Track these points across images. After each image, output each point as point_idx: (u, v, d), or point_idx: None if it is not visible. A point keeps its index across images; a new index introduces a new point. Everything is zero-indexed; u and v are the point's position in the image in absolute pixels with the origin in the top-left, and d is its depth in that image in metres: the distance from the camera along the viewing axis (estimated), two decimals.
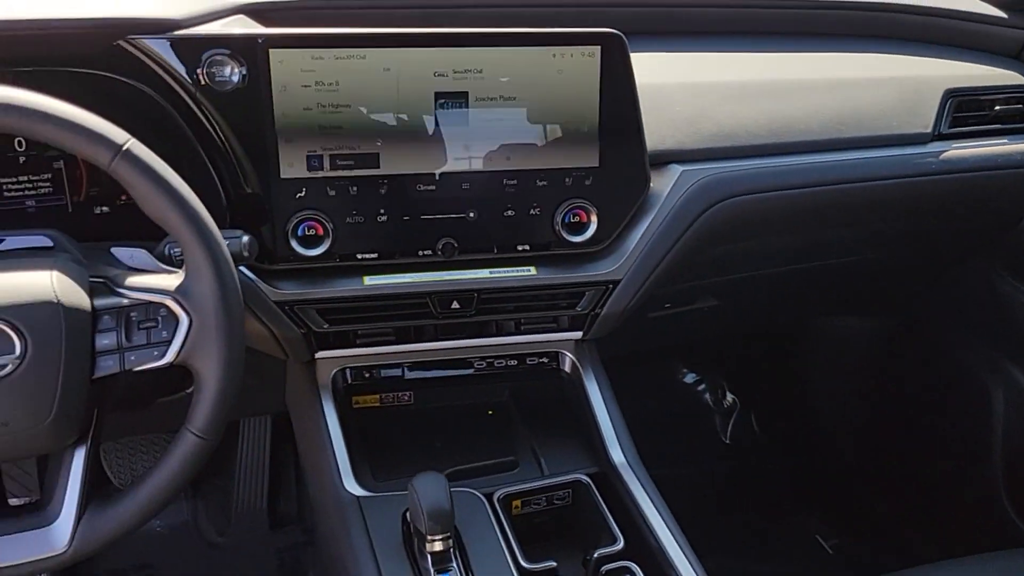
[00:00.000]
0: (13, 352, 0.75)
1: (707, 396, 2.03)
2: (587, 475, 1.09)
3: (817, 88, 1.26)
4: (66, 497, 0.82)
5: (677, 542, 1.00)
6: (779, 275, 1.42)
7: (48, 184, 1.01)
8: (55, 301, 0.77)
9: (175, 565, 1.61)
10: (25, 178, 1.00)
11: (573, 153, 1.07)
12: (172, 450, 0.84)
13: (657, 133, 1.12)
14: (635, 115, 1.07)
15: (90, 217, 1.03)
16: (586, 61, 1.03)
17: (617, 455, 1.10)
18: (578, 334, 1.16)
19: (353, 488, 1.03)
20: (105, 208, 1.04)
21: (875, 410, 1.83)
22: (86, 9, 0.92)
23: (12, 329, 0.75)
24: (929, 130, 1.29)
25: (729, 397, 2.01)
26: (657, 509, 1.04)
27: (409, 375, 1.17)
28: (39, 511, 0.82)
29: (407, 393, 1.20)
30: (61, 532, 0.81)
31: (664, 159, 1.14)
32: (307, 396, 1.12)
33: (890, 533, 1.79)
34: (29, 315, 0.76)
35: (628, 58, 1.04)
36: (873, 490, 1.86)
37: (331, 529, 1.04)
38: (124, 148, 0.77)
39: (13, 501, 0.96)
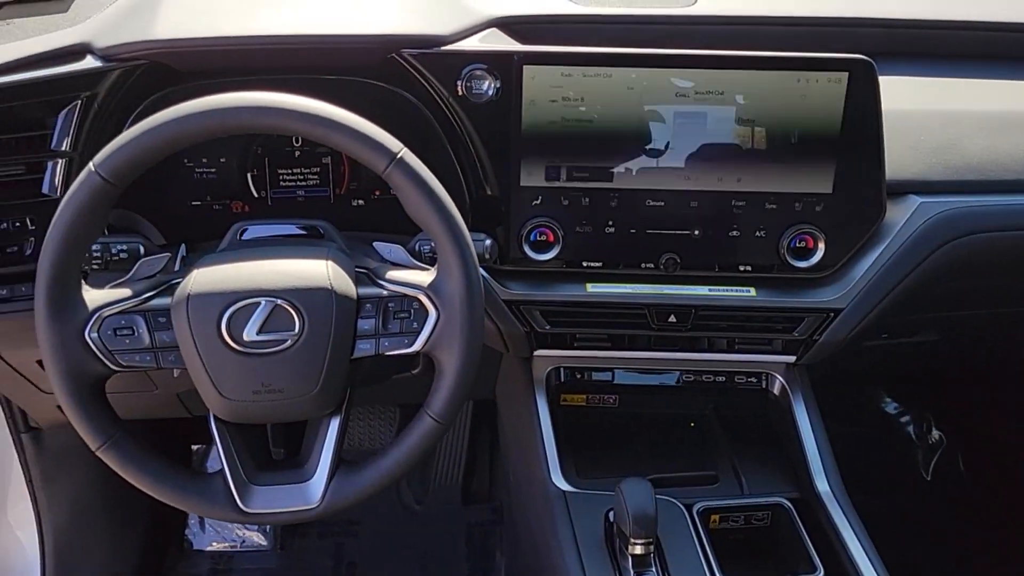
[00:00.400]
0: (293, 329, 0.86)
1: (910, 428, 1.94)
2: (788, 499, 1.10)
3: None
4: (321, 460, 0.93)
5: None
6: (1014, 316, 1.34)
7: (316, 177, 1.13)
8: (329, 288, 0.87)
9: (376, 525, 1.75)
10: (298, 170, 1.13)
11: (806, 178, 1.07)
12: (411, 430, 0.92)
13: (898, 161, 1.10)
14: (877, 143, 1.05)
15: (348, 209, 1.14)
16: (832, 87, 1.02)
17: (822, 484, 1.09)
18: (791, 358, 1.15)
19: (560, 483, 1.08)
20: (361, 201, 1.15)
21: None
22: (367, 26, 1.03)
23: (294, 309, 0.86)
24: None
25: (935, 433, 1.90)
26: (860, 542, 1.03)
27: (618, 380, 1.21)
28: (298, 468, 0.94)
29: (613, 396, 1.24)
30: (315, 489, 0.92)
31: (902, 189, 1.10)
32: (521, 389, 1.19)
33: None
34: (308, 298, 0.86)
35: (876, 85, 1.02)
36: None
37: (535, 518, 1.10)
38: (398, 157, 0.85)
39: None
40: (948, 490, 1.89)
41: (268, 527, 1.69)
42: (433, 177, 0.87)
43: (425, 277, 0.90)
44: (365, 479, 0.92)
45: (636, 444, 1.22)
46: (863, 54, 1.03)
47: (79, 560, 1.50)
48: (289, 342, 0.86)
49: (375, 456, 0.93)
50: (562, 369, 1.19)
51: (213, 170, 1.11)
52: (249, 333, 0.85)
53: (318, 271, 0.88)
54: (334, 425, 0.93)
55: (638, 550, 0.96)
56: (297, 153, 1.12)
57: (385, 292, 0.90)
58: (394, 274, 0.92)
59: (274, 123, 0.84)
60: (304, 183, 1.13)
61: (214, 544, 1.69)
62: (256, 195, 1.13)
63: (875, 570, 1.00)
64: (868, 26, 1.22)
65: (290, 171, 1.13)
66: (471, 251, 0.88)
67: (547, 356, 1.17)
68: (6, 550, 1.49)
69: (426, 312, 0.89)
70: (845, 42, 1.18)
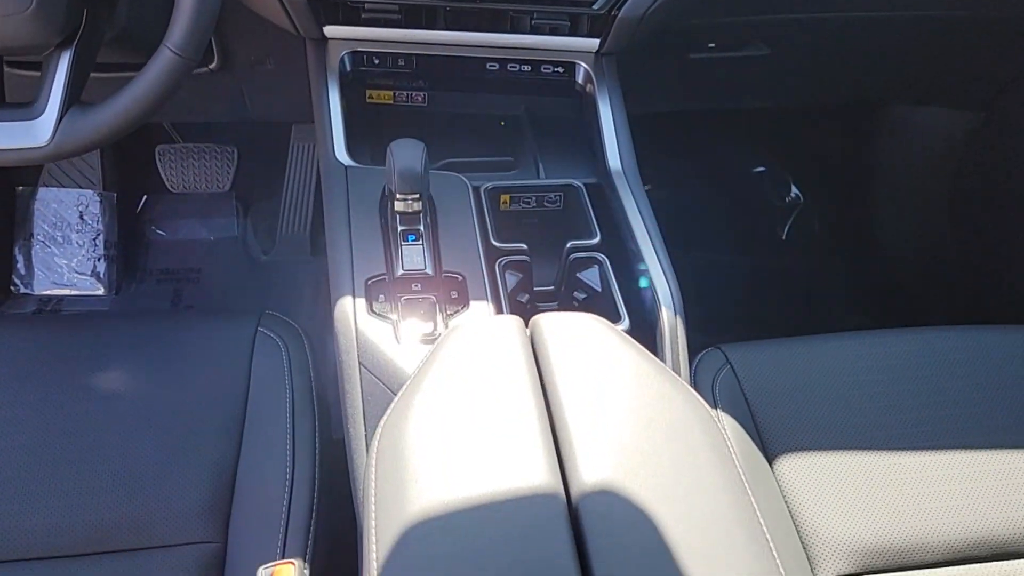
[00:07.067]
0: None
1: (770, 190, 1.94)
2: (583, 184, 1.07)
3: None
4: (51, 97, 0.86)
5: (653, 243, 0.98)
6: (844, 23, 1.29)
7: None
8: None
9: (221, 272, 1.70)
10: None
11: None
12: (150, 66, 0.86)
13: None
14: None
15: None
16: None
17: (615, 163, 1.07)
18: (594, 43, 1.10)
19: (343, 158, 1.04)
20: None
21: (948, 218, 1.71)
22: None
23: None
24: None
25: (793, 192, 1.91)
26: (642, 215, 1.02)
27: (420, 69, 1.15)
28: (27, 108, 0.87)
29: (421, 94, 1.19)
30: (44, 128, 0.86)
31: None
32: (317, 78, 1.13)
33: None
34: None
35: None
36: (934, 303, 1.76)
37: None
38: None
39: None
40: (801, 249, 1.91)
41: (102, 273, 1.64)
42: None
43: None
44: (100, 118, 0.86)
45: (442, 142, 1.17)
46: None
47: None
48: None
49: (111, 96, 0.87)
50: (360, 54, 1.13)
51: None
52: None
53: None
54: (64, 60, 0.86)
55: (400, 206, 0.93)
56: None
57: None
58: None
59: None
60: None
61: (42, 291, 1.64)
62: None
63: (650, 238, 0.98)
64: None
65: None
66: None
67: (340, 39, 1.11)
68: None
69: None
70: None
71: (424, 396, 0.67)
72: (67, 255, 1.62)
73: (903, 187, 1.77)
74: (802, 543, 0.90)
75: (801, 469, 0.95)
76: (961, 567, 0.90)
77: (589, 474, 0.61)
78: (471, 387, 0.67)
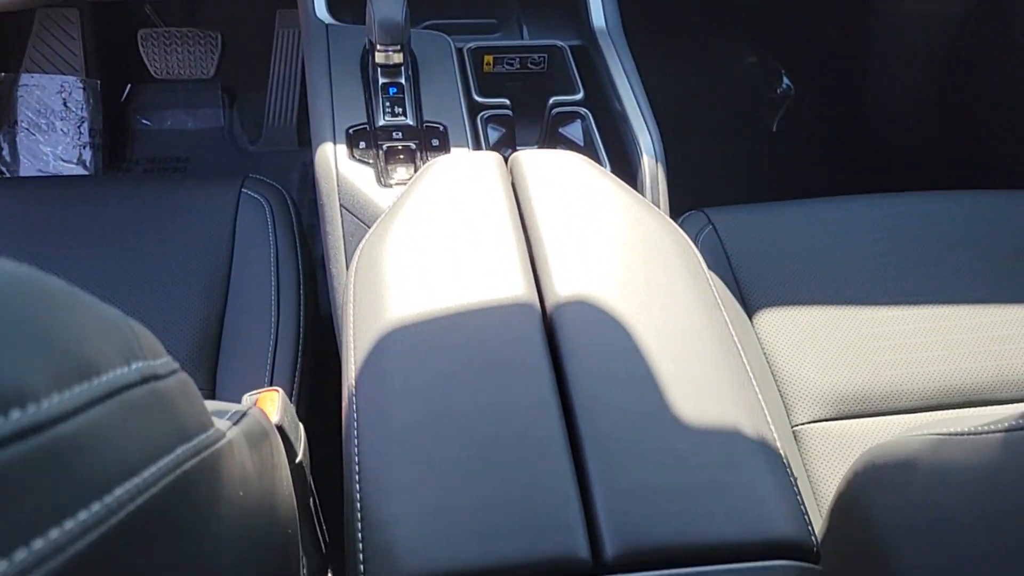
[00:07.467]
0: None
1: (761, 81, 1.92)
2: (568, 45, 1.06)
3: None
4: None
5: (636, 97, 0.97)
6: None
7: None
8: None
9: (208, 161, 1.69)
10: None
11: None
12: None
13: None
14: None
15: None
16: None
17: (599, 21, 1.06)
18: None
19: (324, 16, 1.03)
20: None
21: (939, 103, 1.69)
22: None
23: None
24: None
25: (785, 83, 1.89)
26: (626, 71, 1.01)
27: None
28: None
29: None
30: None
31: None
32: None
33: None
34: None
35: None
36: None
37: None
38: None
39: None
40: (790, 140, 1.90)
41: (88, 161, 1.62)
42: None
43: None
44: None
45: (424, 4, 1.15)
46: None
47: None
48: None
49: None
50: None
51: None
52: None
53: None
54: None
55: (380, 58, 0.92)
56: None
57: None
58: None
59: None
60: None
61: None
62: None
63: (633, 91, 0.98)
64: None
65: None
66: None
67: None
68: None
69: None
70: None
71: (403, 221, 0.67)
72: (52, 142, 1.61)
73: (895, 74, 1.75)
74: (779, 390, 0.92)
75: (781, 323, 0.96)
76: (934, 413, 0.93)
77: (564, 287, 0.62)
78: (449, 212, 0.68)
